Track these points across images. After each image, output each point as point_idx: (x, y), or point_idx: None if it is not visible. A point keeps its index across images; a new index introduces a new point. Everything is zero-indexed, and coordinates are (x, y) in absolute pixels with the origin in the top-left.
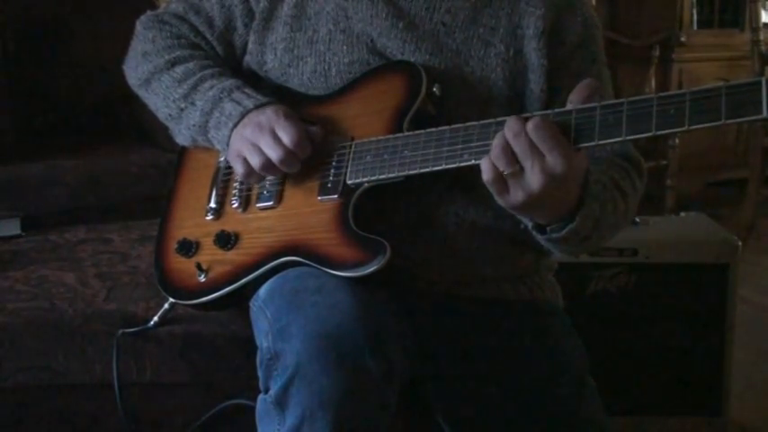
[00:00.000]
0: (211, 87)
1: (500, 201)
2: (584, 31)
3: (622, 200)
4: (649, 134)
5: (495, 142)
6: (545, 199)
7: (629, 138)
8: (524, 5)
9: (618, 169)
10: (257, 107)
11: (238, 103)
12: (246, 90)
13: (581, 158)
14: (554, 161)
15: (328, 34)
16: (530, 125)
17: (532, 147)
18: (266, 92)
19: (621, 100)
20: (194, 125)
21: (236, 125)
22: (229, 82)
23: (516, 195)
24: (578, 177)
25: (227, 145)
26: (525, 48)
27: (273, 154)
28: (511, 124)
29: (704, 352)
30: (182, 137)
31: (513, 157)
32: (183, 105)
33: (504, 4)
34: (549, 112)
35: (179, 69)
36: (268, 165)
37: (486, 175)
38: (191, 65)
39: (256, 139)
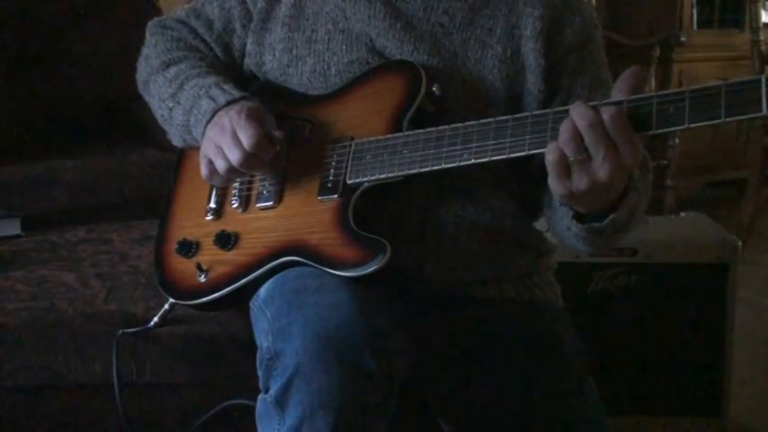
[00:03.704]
0: (194, 85)
1: (557, 186)
2: (582, 32)
3: (645, 194)
4: (649, 133)
5: (565, 127)
6: (607, 189)
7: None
8: (522, 6)
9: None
10: (229, 103)
11: (212, 99)
12: (224, 86)
13: None
14: (626, 153)
15: (327, 34)
16: (606, 116)
17: (607, 138)
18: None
19: (622, 99)
20: (179, 124)
21: (208, 122)
22: (210, 79)
23: (580, 183)
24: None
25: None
26: (523, 48)
27: (232, 156)
28: (584, 113)
29: (704, 352)
30: (174, 138)
31: (582, 145)
32: (171, 105)
33: (501, 5)
34: (622, 99)
35: (172, 70)
36: (231, 168)
37: (551, 155)
38: (183, 65)
39: (219, 140)
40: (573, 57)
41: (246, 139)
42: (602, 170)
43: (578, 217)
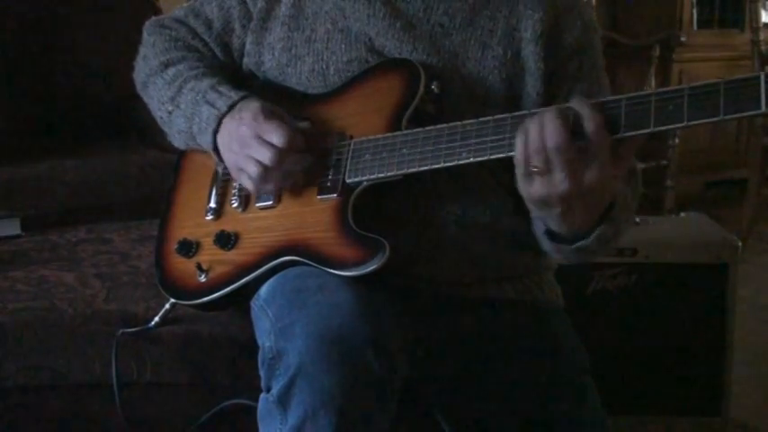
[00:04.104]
0: (192, 89)
1: (522, 187)
2: (583, 36)
3: (627, 209)
4: (647, 131)
5: (533, 137)
6: (568, 202)
7: (626, 135)
8: (522, 8)
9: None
10: (230, 108)
11: (212, 106)
12: (220, 88)
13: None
14: (591, 174)
15: (326, 34)
16: (590, 124)
17: (570, 162)
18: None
19: (620, 96)
20: (182, 130)
21: (216, 131)
22: (206, 82)
23: (540, 190)
24: (605, 196)
25: (215, 150)
26: (523, 51)
27: (268, 160)
28: (555, 132)
29: (704, 352)
30: (175, 141)
31: (547, 158)
32: (170, 108)
33: (502, 7)
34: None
35: (170, 71)
36: (268, 173)
37: (518, 155)
38: (181, 66)
39: (247, 150)
40: (573, 61)
41: (277, 138)
42: (562, 185)
43: (550, 234)
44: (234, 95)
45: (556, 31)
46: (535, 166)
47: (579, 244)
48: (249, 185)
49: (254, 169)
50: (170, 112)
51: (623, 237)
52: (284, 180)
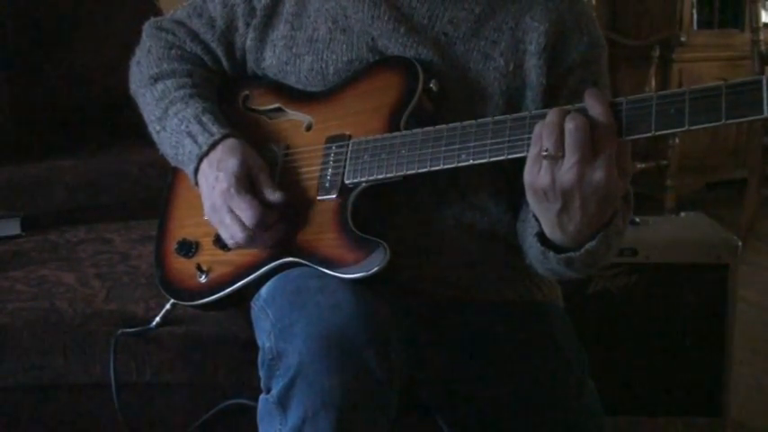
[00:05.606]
0: (176, 114)
1: (527, 173)
2: (588, 51)
3: (616, 238)
4: (648, 134)
5: (553, 116)
6: (568, 198)
7: (627, 138)
8: (529, 20)
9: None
10: (212, 146)
11: (194, 141)
12: (204, 118)
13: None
14: (597, 175)
15: (328, 33)
16: (601, 118)
17: (586, 144)
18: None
19: (620, 99)
20: (168, 155)
21: (196, 169)
22: (191, 109)
23: (545, 177)
24: (606, 207)
25: (198, 186)
26: (526, 64)
27: (238, 238)
28: (576, 117)
29: (704, 352)
30: (165, 156)
31: (560, 143)
32: (158, 128)
33: (508, 18)
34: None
35: (159, 87)
36: (239, 243)
37: (534, 134)
38: (169, 83)
39: (220, 218)
40: (574, 76)
41: (247, 218)
42: (567, 174)
43: (542, 240)
44: (216, 132)
45: (560, 46)
46: (546, 149)
47: (568, 254)
48: (232, 243)
49: (226, 236)
50: (158, 132)
51: (602, 263)
52: (259, 246)
